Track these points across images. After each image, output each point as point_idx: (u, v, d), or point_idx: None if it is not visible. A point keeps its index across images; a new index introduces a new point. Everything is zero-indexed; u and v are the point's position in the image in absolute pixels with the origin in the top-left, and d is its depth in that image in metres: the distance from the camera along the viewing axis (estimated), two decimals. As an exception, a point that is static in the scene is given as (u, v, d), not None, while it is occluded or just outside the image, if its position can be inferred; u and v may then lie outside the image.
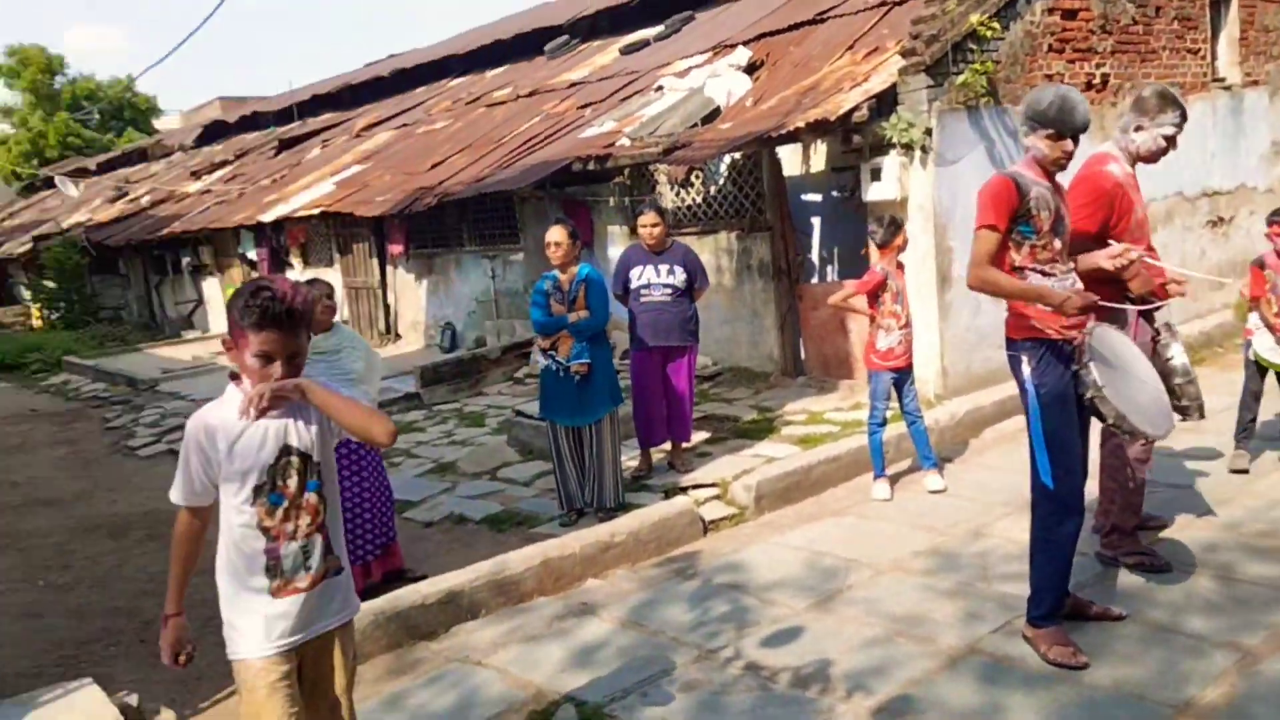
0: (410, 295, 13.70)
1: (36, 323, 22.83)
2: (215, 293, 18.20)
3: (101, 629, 4.91)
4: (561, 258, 5.66)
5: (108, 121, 38.12)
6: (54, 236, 22.94)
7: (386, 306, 14.08)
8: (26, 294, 25.53)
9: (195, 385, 12.03)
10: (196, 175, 22.40)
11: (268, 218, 14.90)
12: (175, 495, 2.52)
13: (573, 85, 13.63)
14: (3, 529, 7.01)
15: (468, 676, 3.96)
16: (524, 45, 17.07)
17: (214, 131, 26.83)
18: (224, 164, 22.22)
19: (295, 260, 15.65)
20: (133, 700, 3.62)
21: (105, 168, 30.58)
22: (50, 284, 21.66)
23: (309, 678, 2.57)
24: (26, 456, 9.68)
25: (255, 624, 2.46)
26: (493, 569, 4.67)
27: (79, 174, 29.70)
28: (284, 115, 23.56)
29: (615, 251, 9.88)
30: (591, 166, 9.59)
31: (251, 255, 16.56)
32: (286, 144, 20.60)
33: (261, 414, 2.40)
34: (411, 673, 4.04)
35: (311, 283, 4.93)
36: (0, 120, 38.89)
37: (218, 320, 17.91)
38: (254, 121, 25.12)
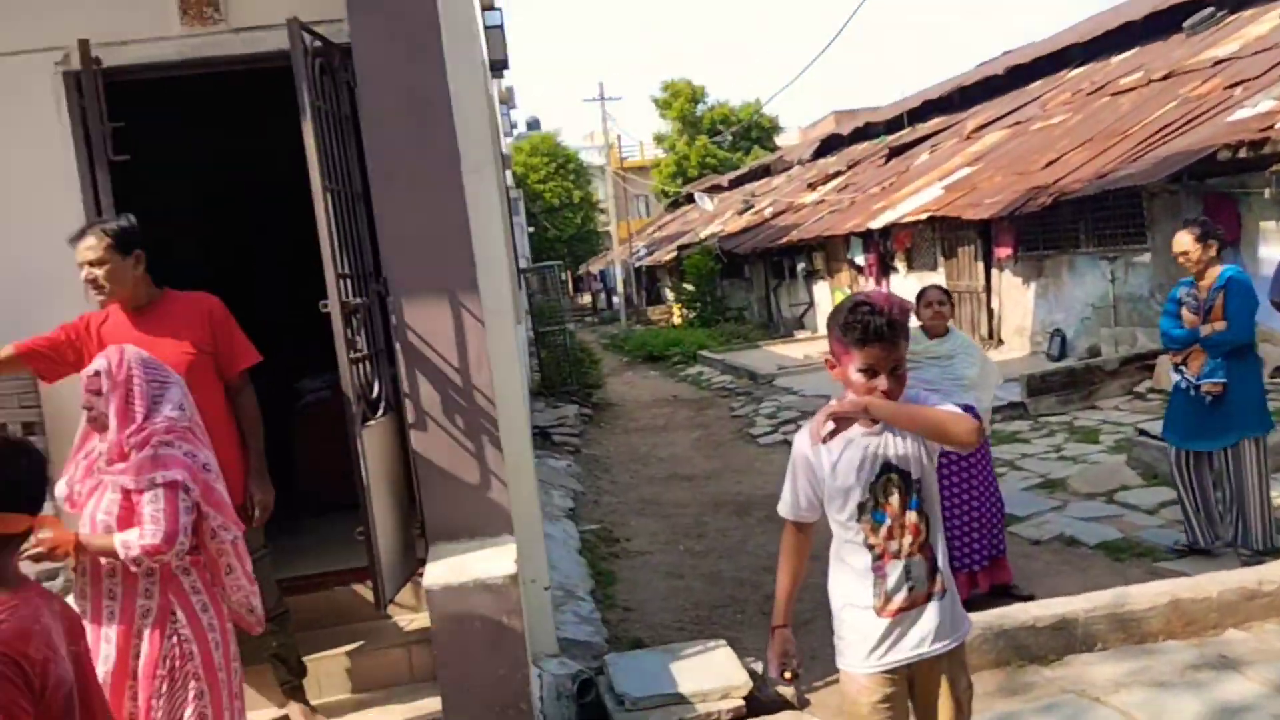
0: (1016, 299, 13.21)
1: (677, 320, 26.49)
2: (824, 296, 19.42)
3: (729, 596, 5.53)
4: (1194, 265, 4.97)
5: (737, 142, 42.75)
6: (693, 245, 26.42)
7: (990, 311, 13.76)
8: (669, 295, 29.77)
9: (805, 381, 12.95)
10: (812, 186, 24.09)
11: (876, 224, 15.46)
12: (783, 509, 2.57)
13: (1218, 63, 11.98)
14: (653, 497, 8.26)
15: (1085, 712, 3.70)
16: (1157, 24, 15.44)
17: (828, 145, 28.60)
18: (836, 175, 23.57)
19: (900, 265, 16.03)
20: (758, 667, 4.01)
21: (735, 183, 34.40)
22: (689, 287, 24.93)
23: (920, 700, 2.51)
24: (669, 436, 11.28)
25: (859, 639, 2.44)
26: (1112, 601, 4.30)
27: (713, 190, 33.78)
28: (894, 124, 24.25)
29: (1269, 252, 8.48)
30: (1242, 154, 8.34)
31: (859, 260, 17.33)
32: (896, 151, 21.17)
33: (829, 437, 2.36)
34: (1023, 695, 3.89)
35: (926, 290, 4.99)
36: (654, 146, 45.81)
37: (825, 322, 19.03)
38: (865, 132, 26.24)
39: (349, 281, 3.76)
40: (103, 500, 2.72)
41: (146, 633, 2.70)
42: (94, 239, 3.17)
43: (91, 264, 3.17)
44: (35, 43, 3.93)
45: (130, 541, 2.60)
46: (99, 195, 3.77)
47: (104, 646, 2.69)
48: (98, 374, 2.76)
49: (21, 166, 3.97)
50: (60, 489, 2.83)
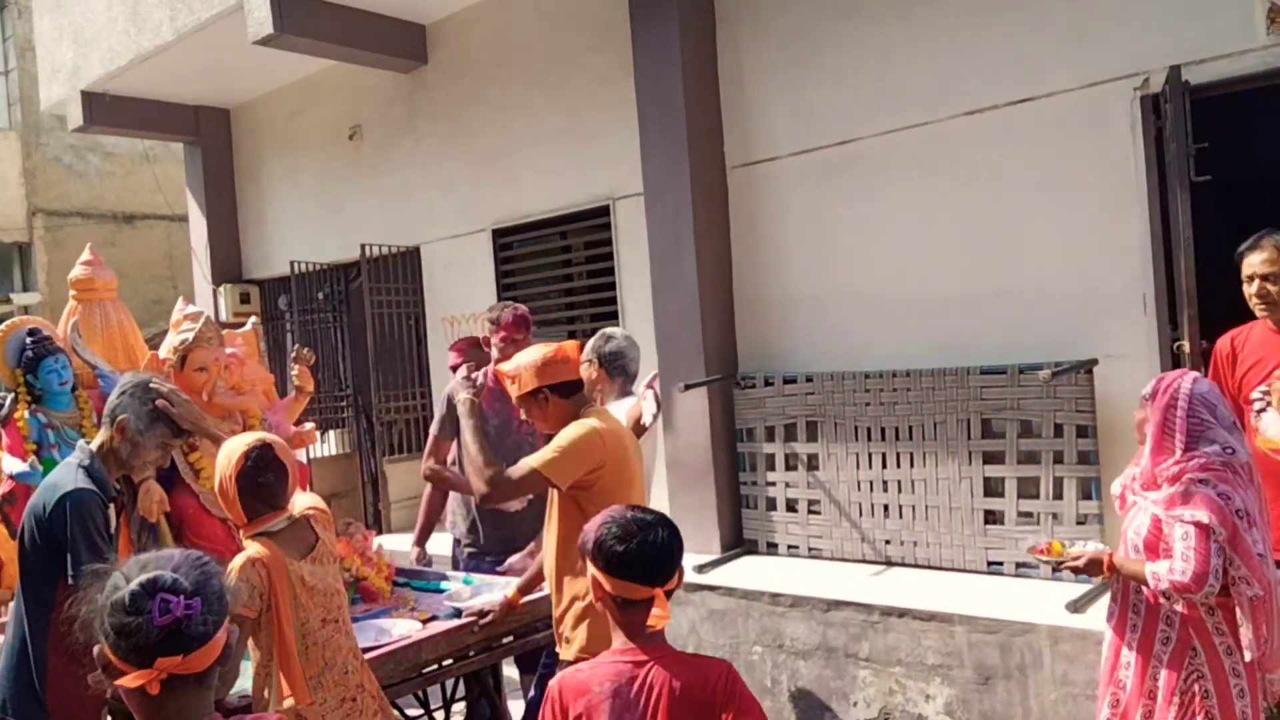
0: None
1: None
2: None
3: None
4: None
5: None
6: None
7: None
8: None
9: None
10: None
11: None
12: None
13: None
14: None
15: None
16: None
17: None
18: None
19: None
20: None
21: None
22: None
23: None
24: None
25: None
26: None
27: None
28: None
29: None
30: None
31: None
32: None
33: None
34: None
35: None
36: None
37: None
38: None
39: None
40: (1135, 520, 2.80)
41: (1165, 660, 2.70)
42: (1269, 252, 3.18)
43: (1263, 277, 3.16)
44: (1116, 72, 4.21)
45: (1160, 574, 2.62)
46: (1169, 215, 3.87)
47: (1125, 654, 2.79)
48: (1148, 394, 2.81)
49: (1095, 186, 4.31)
50: (1115, 487, 2.98)
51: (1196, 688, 2.65)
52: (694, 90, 5.35)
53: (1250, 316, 3.38)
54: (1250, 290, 3.15)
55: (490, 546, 4.20)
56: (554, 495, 3.00)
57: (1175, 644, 2.68)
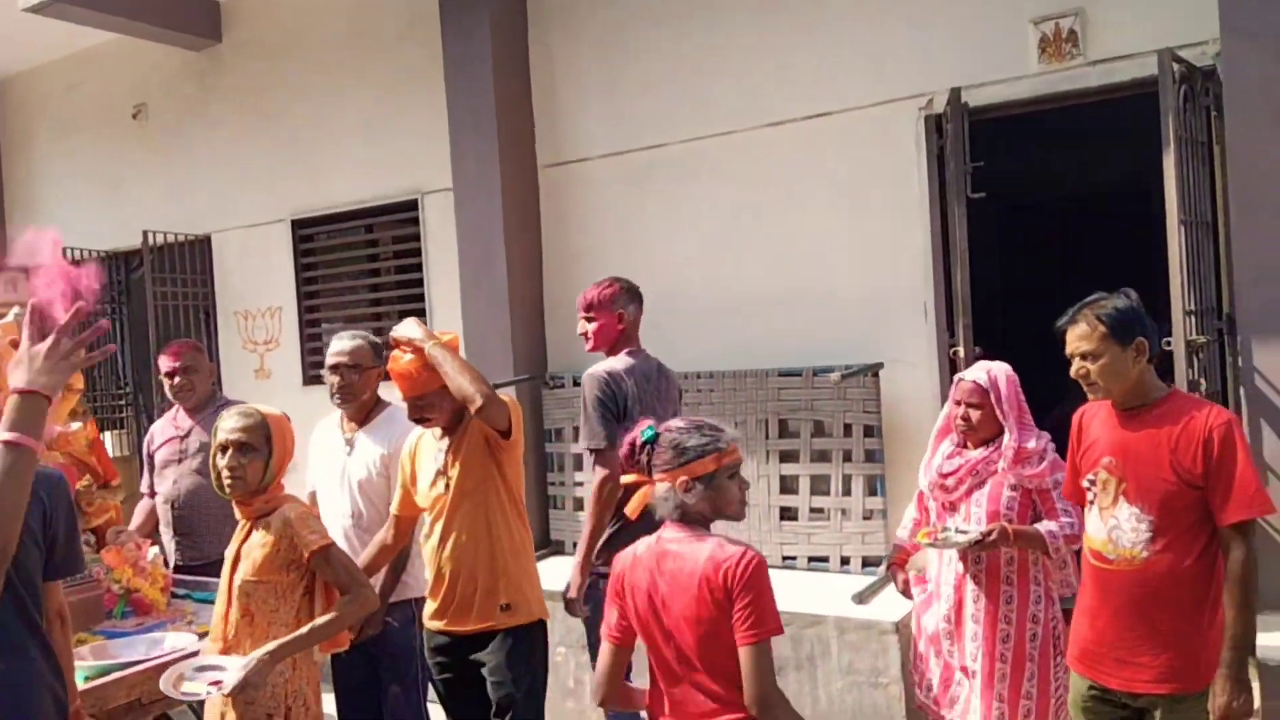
0: None
1: None
2: None
3: None
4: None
5: None
6: None
7: None
8: None
9: None
10: None
11: None
12: None
13: None
14: None
15: None
16: None
17: None
18: None
19: None
20: None
21: None
22: None
23: None
24: None
25: None
26: None
27: None
28: None
29: None
30: None
31: None
32: None
33: None
34: None
35: None
36: None
37: None
38: None
39: (1194, 318, 3.58)
40: (1000, 497, 3.04)
41: (1042, 620, 3.03)
42: (1083, 326, 2.57)
43: (1082, 355, 2.58)
44: (904, 91, 4.46)
45: (1056, 531, 2.95)
46: (949, 229, 4.14)
47: (1002, 628, 3.04)
48: (977, 384, 3.08)
49: (883, 199, 4.55)
50: (930, 474, 3.21)
51: (1059, 630, 3.03)
52: (505, 87, 5.29)
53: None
54: (1072, 370, 2.60)
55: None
56: (462, 474, 2.98)
57: (1044, 601, 3.03)
